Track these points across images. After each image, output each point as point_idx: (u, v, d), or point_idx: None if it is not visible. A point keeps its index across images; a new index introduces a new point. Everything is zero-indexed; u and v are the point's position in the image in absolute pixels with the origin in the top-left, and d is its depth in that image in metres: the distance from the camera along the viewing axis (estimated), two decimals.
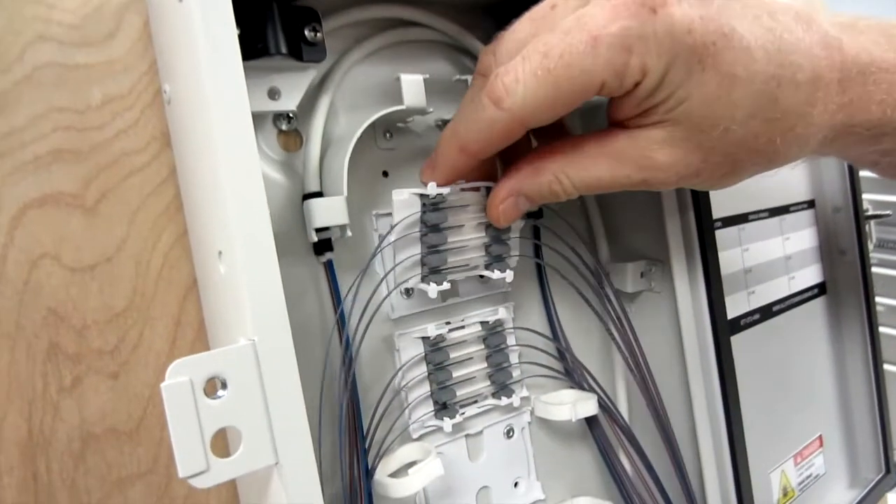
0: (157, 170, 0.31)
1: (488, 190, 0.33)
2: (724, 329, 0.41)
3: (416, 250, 0.33)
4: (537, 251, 0.41)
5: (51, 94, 0.29)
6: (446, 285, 0.34)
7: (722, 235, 0.45)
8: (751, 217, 0.49)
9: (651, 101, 0.27)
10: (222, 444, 0.31)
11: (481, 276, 0.37)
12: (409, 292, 0.36)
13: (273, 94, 0.31)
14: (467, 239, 0.35)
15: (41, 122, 0.28)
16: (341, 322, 0.32)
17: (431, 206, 0.33)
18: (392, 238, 0.33)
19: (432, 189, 0.31)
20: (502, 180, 0.32)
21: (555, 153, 0.30)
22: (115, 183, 0.30)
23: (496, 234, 0.36)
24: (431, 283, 0.33)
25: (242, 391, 0.24)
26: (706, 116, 0.27)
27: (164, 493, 0.30)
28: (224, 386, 0.24)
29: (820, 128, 0.28)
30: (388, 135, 0.36)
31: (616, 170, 0.29)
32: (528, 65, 0.26)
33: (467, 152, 0.30)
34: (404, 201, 0.32)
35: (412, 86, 0.33)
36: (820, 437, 0.54)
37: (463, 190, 0.33)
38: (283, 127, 0.33)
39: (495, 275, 0.35)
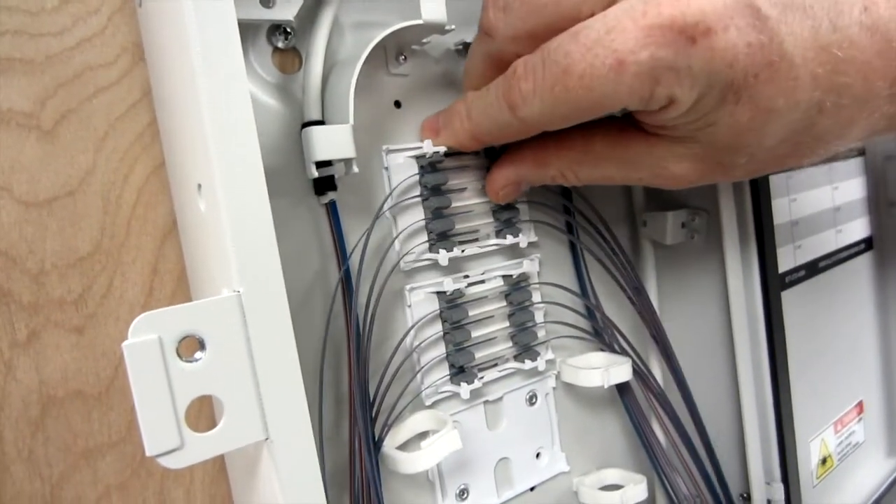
0: (128, 88, 0.26)
1: (486, 151, 0.33)
2: (775, 285, 0.37)
3: (419, 216, 0.31)
4: (566, 193, 0.36)
5: None
6: (457, 251, 0.31)
7: (770, 182, 0.41)
8: None
9: (674, 121, 0.24)
10: (206, 415, 0.27)
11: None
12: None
13: (266, 0, 0.26)
14: (472, 204, 0.33)
15: None
16: (346, 274, 0.27)
17: (429, 166, 0.31)
18: (391, 203, 0.30)
19: (428, 147, 0.30)
20: (503, 165, 0.32)
21: (562, 148, 0.29)
22: (78, 102, 0.25)
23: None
24: (441, 251, 0.30)
25: (224, 353, 0.20)
26: (731, 144, 0.25)
27: (140, 464, 0.26)
28: (202, 346, 0.20)
29: (858, 139, 0.26)
30: (401, 58, 0.31)
31: (628, 172, 0.28)
32: (547, 78, 0.24)
33: (478, 140, 0.29)
34: (401, 165, 0.30)
35: None
36: (860, 403, 0.50)
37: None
38: (280, 44, 0.28)
39: (508, 240, 0.33)
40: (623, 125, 0.28)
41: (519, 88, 0.25)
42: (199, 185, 0.22)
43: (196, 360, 0.20)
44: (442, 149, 0.30)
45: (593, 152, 0.29)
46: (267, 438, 0.21)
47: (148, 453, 0.18)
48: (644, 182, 0.29)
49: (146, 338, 0.19)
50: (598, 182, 0.30)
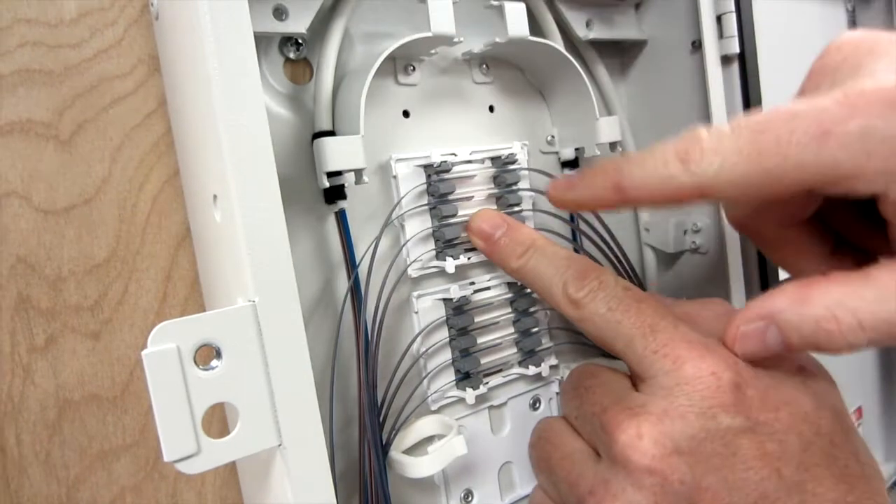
0: (143, 99, 0.27)
1: (492, 160, 0.33)
2: None
3: (427, 224, 0.31)
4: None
5: (15, 3, 0.24)
6: (463, 258, 0.31)
7: None
8: None
9: None
10: (218, 421, 0.28)
11: None
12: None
13: (279, 13, 0.27)
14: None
15: (4, 36, 0.24)
16: (355, 281, 0.28)
17: (437, 175, 0.31)
18: (399, 212, 0.30)
19: (436, 156, 0.30)
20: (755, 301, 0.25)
21: (831, 281, 0.23)
22: (95, 113, 0.26)
23: (508, 207, 0.33)
24: (448, 258, 0.31)
25: (240, 361, 0.21)
26: None
27: (154, 467, 0.27)
28: (218, 355, 0.20)
29: None
30: (409, 68, 0.32)
31: None
32: (737, 138, 0.22)
33: (622, 194, 0.25)
34: (409, 174, 0.31)
35: (441, 9, 0.28)
36: (859, 409, 0.51)
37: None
38: (291, 55, 0.29)
39: None
40: None
41: (700, 143, 0.22)
42: (215, 196, 0.23)
43: (212, 369, 0.20)
44: (450, 157, 0.30)
45: (876, 280, 0.22)
46: (280, 444, 0.21)
47: (165, 459, 0.19)
48: None
49: (164, 347, 0.19)
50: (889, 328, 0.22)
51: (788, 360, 0.26)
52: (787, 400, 0.23)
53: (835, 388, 0.25)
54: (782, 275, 0.42)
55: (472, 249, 0.32)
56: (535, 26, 0.34)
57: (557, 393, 0.36)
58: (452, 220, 0.31)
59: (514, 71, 0.35)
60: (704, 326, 0.27)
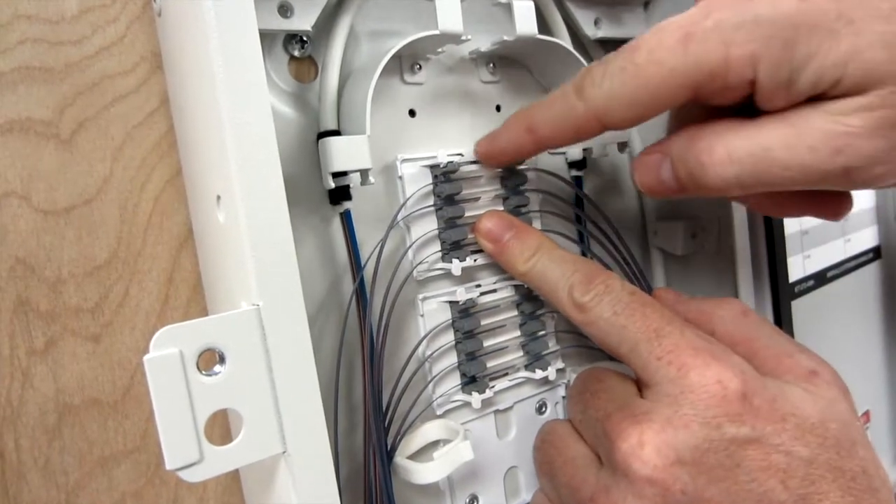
0: (146, 97, 0.26)
1: None
2: (785, 296, 0.37)
3: (433, 225, 0.31)
4: (578, 202, 0.36)
5: None
6: (470, 260, 0.31)
7: None
8: None
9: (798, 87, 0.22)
10: (221, 427, 0.27)
11: None
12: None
13: (284, 10, 0.26)
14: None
15: (4, 32, 0.23)
16: (360, 284, 0.27)
17: (443, 176, 0.30)
18: (404, 213, 0.30)
19: (442, 156, 0.30)
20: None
21: (721, 122, 0.24)
22: (96, 111, 0.25)
23: (515, 209, 0.32)
24: (454, 260, 0.30)
25: (244, 366, 0.20)
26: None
27: (155, 473, 0.26)
28: (222, 360, 0.20)
29: None
30: (416, 66, 0.31)
31: (795, 140, 0.22)
32: (618, 60, 0.24)
33: (534, 134, 0.27)
34: (415, 174, 0.30)
35: (448, 7, 0.28)
36: (867, 413, 0.50)
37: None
38: (296, 53, 0.28)
39: None
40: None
41: (591, 73, 0.24)
42: (219, 197, 0.22)
43: (216, 374, 0.20)
44: (456, 158, 0.30)
45: (756, 121, 0.23)
46: (284, 452, 0.21)
47: (168, 467, 0.18)
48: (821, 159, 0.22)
49: (167, 351, 0.19)
50: (757, 166, 0.23)
51: (798, 365, 0.25)
52: (794, 409, 0.23)
53: (846, 395, 0.25)
54: (792, 276, 0.41)
55: (479, 251, 0.31)
56: (544, 25, 0.34)
57: (564, 397, 0.36)
58: (459, 222, 0.31)
59: (521, 70, 0.35)
60: (719, 326, 0.27)
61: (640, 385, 0.26)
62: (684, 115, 0.26)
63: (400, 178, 0.30)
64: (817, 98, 0.22)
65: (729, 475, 0.22)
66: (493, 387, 0.32)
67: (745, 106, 0.23)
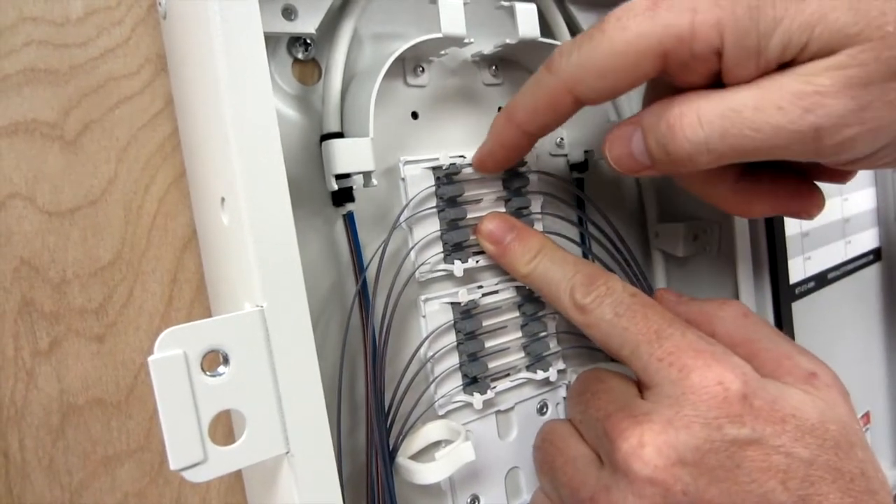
0: (150, 99, 0.26)
1: None
2: (786, 297, 0.37)
3: (435, 227, 0.31)
4: (580, 204, 0.36)
5: (21, 1, 0.24)
6: (472, 262, 0.31)
7: None
8: None
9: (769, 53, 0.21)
10: (224, 428, 0.27)
11: None
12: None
13: (288, 12, 0.26)
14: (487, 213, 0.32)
15: (9, 35, 0.24)
16: (363, 285, 0.27)
17: (446, 178, 0.30)
18: (407, 214, 0.30)
19: (444, 158, 0.30)
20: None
21: (693, 91, 0.24)
22: (101, 113, 0.25)
23: (517, 211, 0.33)
24: (456, 261, 0.30)
25: (247, 367, 0.20)
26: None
27: (159, 473, 0.26)
28: (226, 361, 0.20)
29: None
30: (419, 69, 0.31)
31: (764, 101, 0.22)
32: (587, 32, 0.24)
33: (513, 121, 0.28)
34: (417, 176, 0.30)
35: (451, 10, 0.28)
36: (867, 414, 0.50)
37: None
38: (300, 55, 0.29)
39: None
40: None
41: (561, 49, 0.25)
42: (223, 199, 0.22)
43: (220, 375, 0.20)
44: (458, 160, 0.30)
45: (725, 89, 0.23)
46: (288, 452, 0.21)
47: (172, 467, 0.19)
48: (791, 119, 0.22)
49: (171, 353, 0.19)
50: (726, 129, 0.23)
51: (798, 367, 0.25)
52: (794, 411, 0.23)
53: (845, 398, 0.25)
54: (792, 278, 0.41)
55: (481, 253, 0.32)
56: (546, 27, 0.34)
57: (565, 398, 0.36)
58: (461, 224, 0.31)
59: (524, 72, 0.35)
60: (720, 327, 0.27)
61: (641, 387, 0.26)
62: (657, 96, 0.26)
63: (402, 180, 0.30)
64: (786, 66, 0.22)
65: (729, 476, 0.22)
66: (494, 388, 0.32)
67: (715, 86, 0.23)
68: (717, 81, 0.23)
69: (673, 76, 0.24)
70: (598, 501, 0.24)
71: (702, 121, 0.23)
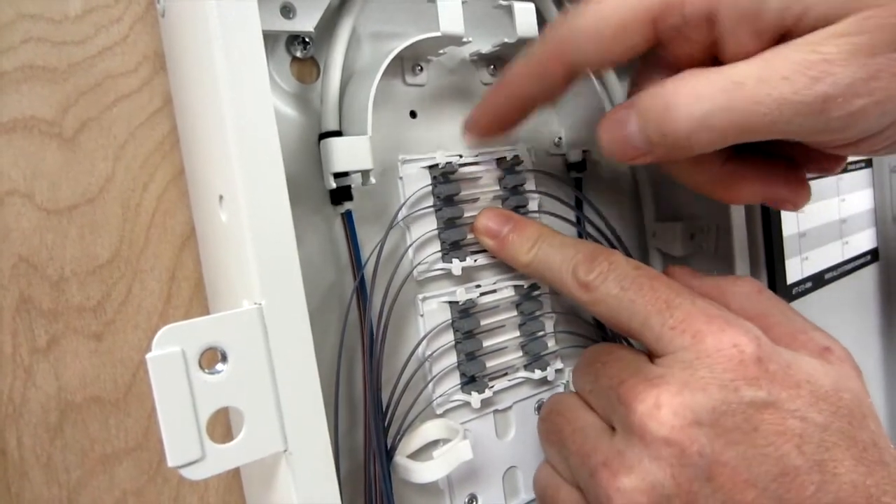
0: (148, 97, 0.26)
1: (498, 161, 0.32)
2: (784, 296, 0.37)
3: (432, 226, 0.31)
4: (577, 204, 0.36)
5: None
6: (469, 261, 0.31)
7: None
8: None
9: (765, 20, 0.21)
10: (222, 426, 0.27)
11: None
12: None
13: (287, 11, 0.26)
14: None
15: (8, 32, 0.24)
16: (361, 284, 0.27)
17: (442, 177, 0.30)
18: (404, 213, 0.30)
19: (441, 157, 0.30)
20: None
21: (689, 70, 0.23)
22: (99, 111, 0.25)
23: (514, 210, 0.32)
24: (454, 260, 0.30)
25: (246, 365, 0.20)
26: None
27: (157, 471, 0.26)
28: (224, 358, 0.20)
29: None
30: (417, 68, 0.31)
31: (768, 72, 0.21)
32: (581, 5, 0.23)
33: (507, 87, 0.27)
34: (415, 175, 0.30)
35: (450, 9, 0.28)
36: None
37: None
38: (298, 54, 0.29)
39: None
40: None
41: (552, 21, 0.26)
42: (221, 197, 0.22)
43: (218, 372, 0.20)
44: (455, 158, 0.30)
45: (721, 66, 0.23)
46: (286, 450, 0.21)
47: (170, 465, 0.19)
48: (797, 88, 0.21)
49: (169, 350, 0.19)
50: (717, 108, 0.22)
51: (812, 341, 0.25)
52: (808, 377, 0.23)
53: (858, 374, 0.25)
54: (790, 278, 0.42)
55: (479, 251, 0.32)
56: (544, 27, 0.34)
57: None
58: (458, 222, 0.31)
59: None
60: (734, 302, 0.26)
61: (652, 356, 0.25)
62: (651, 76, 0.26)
63: (400, 178, 0.30)
64: (785, 40, 0.21)
65: (746, 438, 0.22)
66: (492, 387, 0.32)
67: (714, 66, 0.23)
68: (715, 61, 0.23)
69: (667, 48, 0.23)
70: (612, 466, 0.23)
71: (701, 95, 0.22)
